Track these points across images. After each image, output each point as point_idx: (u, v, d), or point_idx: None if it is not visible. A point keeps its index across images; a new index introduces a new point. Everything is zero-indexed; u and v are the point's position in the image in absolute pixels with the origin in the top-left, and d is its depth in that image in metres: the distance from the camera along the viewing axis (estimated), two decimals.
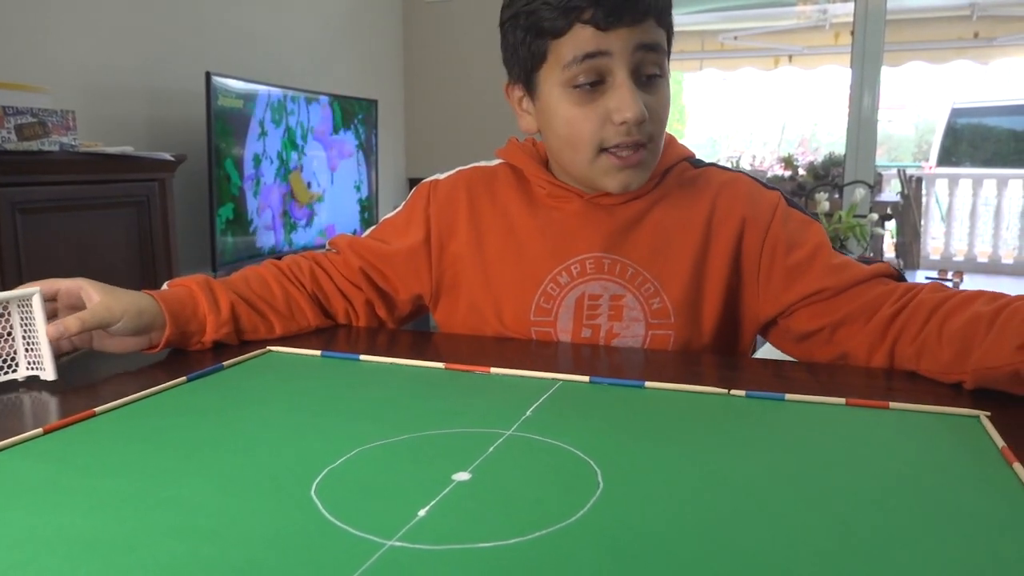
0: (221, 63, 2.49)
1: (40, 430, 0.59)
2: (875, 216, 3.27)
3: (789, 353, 0.90)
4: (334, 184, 2.94)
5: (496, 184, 0.96)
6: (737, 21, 5.91)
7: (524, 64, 0.85)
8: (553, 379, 0.73)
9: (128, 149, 1.84)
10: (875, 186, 4.83)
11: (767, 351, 0.99)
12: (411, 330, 0.99)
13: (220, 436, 0.59)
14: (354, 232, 1.01)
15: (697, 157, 0.95)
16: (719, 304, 0.88)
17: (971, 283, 3.07)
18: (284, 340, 0.88)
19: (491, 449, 0.56)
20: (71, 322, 0.73)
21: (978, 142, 7.47)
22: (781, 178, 4.95)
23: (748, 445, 0.57)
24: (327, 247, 1.02)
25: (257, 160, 2.47)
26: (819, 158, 5.22)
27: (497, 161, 0.99)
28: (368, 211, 3.16)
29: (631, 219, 0.89)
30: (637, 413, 0.64)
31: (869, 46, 3.70)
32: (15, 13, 1.93)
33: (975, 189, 6.03)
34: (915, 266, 4.78)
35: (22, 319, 0.72)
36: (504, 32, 0.87)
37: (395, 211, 1.02)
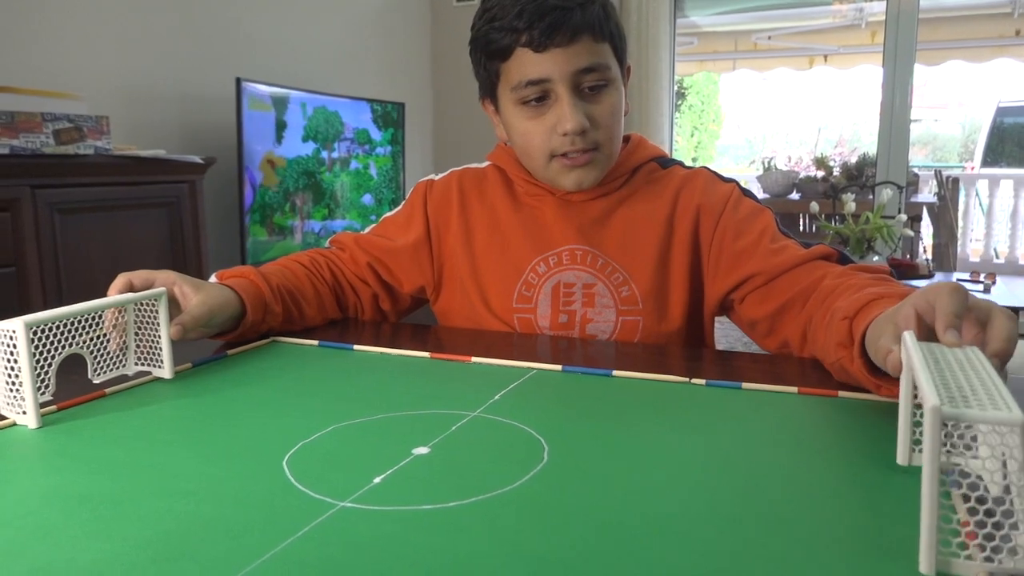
0: (251, 69, 2.58)
1: (55, 407, 0.66)
2: (904, 217, 3.24)
3: (751, 338, 0.95)
4: (362, 186, 3.02)
5: (485, 183, 1.03)
6: (770, 21, 5.87)
7: (486, 83, 0.95)
8: (528, 368, 0.77)
9: (160, 152, 1.93)
10: (910, 187, 4.77)
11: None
12: (405, 322, 1.04)
13: (212, 413, 0.65)
14: (355, 231, 1.07)
15: (667, 157, 1.02)
16: (685, 292, 0.94)
17: (1010, 286, 3.02)
18: (289, 331, 0.94)
19: (454, 428, 0.61)
20: (189, 324, 0.79)
21: None
22: (814, 179, 4.90)
23: (695, 428, 0.61)
24: (329, 245, 1.08)
25: (285, 163, 2.56)
26: (855, 159, 5.15)
27: (488, 163, 1.05)
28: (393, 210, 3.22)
29: (601, 214, 0.97)
30: (599, 399, 0.68)
31: (901, 45, 3.66)
32: (54, 25, 2.04)
33: (1016, 190, 5.89)
34: (951, 268, 4.70)
35: (138, 316, 0.76)
36: (470, 51, 0.96)
37: (395, 210, 1.08)
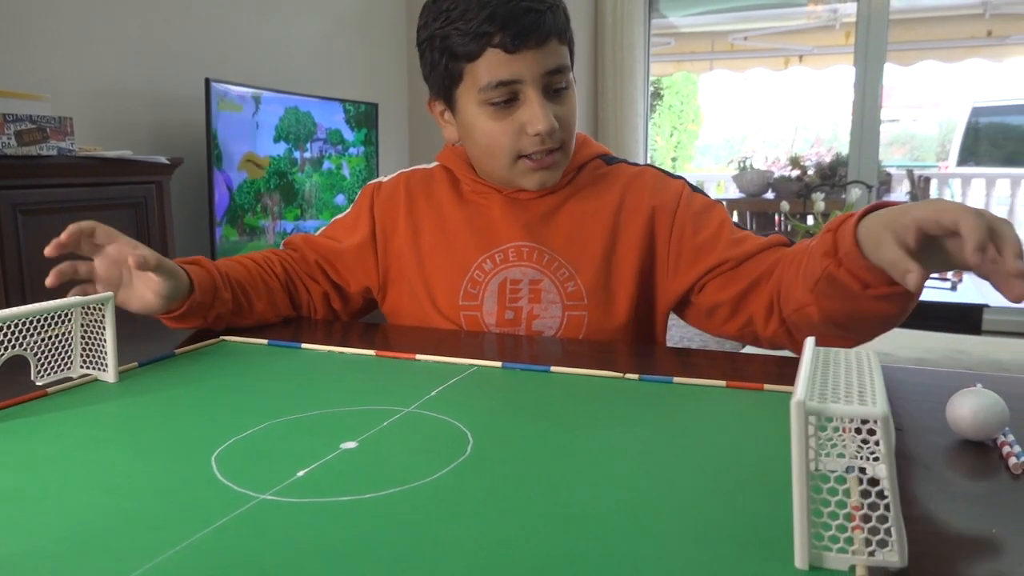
0: (222, 68, 2.58)
1: None
2: None
3: (704, 329, 0.97)
4: (334, 186, 3.02)
5: (432, 183, 1.05)
6: (747, 22, 5.92)
7: (442, 83, 0.94)
8: (470, 364, 0.79)
9: (126, 153, 1.93)
10: (883, 186, 4.82)
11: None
12: (355, 322, 1.06)
13: (151, 412, 0.66)
14: (305, 233, 1.09)
15: (611, 155, 1.04)
16: (632, 287, 0.96)
17: (977, 284, 3.07)
18: (236, 330, 0.95)
19: (385, 423, 0.62)
20: (149, 255, 0.83)
21: (999, 141, 7.39)
22: (788, 178, 4.96)
23: (621, 422, 0.63)
24: (282, 246, 1.09)
25: (256, 163, 2.56)
26: (830, 158, 5.21)
27: (436, 164, 1.07)
28: None
29: (547, 211, 0.98)
30: (533, 394, 0.70)
31: (872, 45, 3.71)
32: (17, 24, 2.03)
33: (988, 189, 5.98)
34: None
35: (84, 320, 0.76)
36: (421, 51, 0.96)
37: (344, 212, 1.09)
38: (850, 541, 0.39)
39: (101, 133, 2.22)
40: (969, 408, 0.56)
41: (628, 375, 0.73)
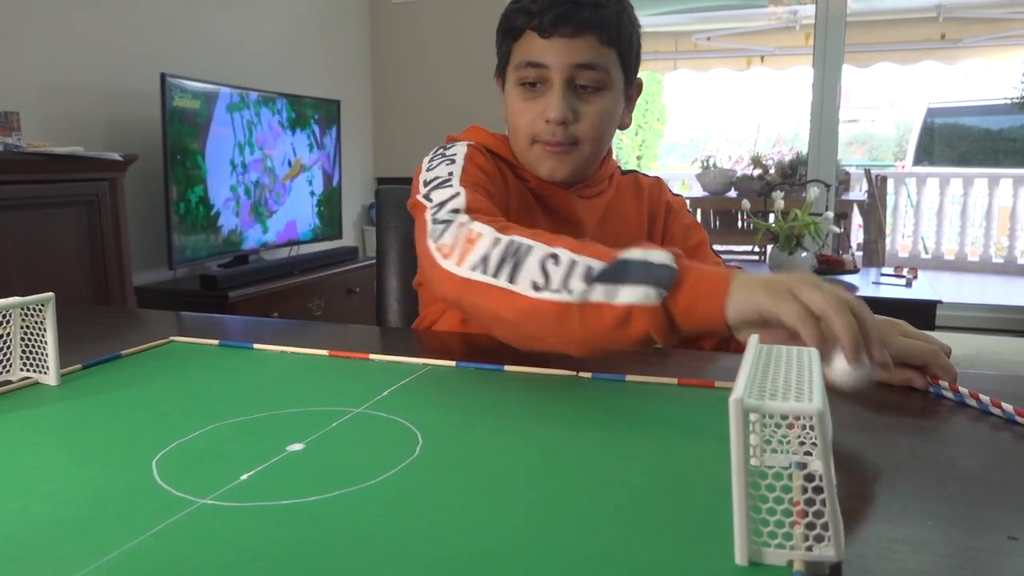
0: (180, 64, 2.53)
1: None
2: (831, 215, 3.34)
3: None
4: (292, 183, 2.98)
5: (499, 164, 0.99)
6: (709, 22, 5.99)
7: (501, 60, 1.00)
8: (423, 364, 0.78)
9: (78, 149, 1.88)
10: (841, 185, 4.91)
11: None
12: (309, 321, 1.04)
13: (93, 416, 0.64)
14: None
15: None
16: None
17: (931, 280, 3.14)
18: (186, 331, 0.93)
19: (334, 424, 0.61)
20: None
21: (954, 141, 7.58)
22: (750, 177, 5.02)
23: (572, 421, 0.62)
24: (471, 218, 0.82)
25: (211, 160, 2.51)
26: (791, 158, 5.29)
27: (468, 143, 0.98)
28: (326, 208, 3.19)
29: (600, 211, 1.03)
30: (485, 393, 0.69)
31: (830, 47, 3.77)
32: None
33: (942, 188, 6.13)
34: (880, 263, 4.86)
35: (24, 321, 0.73)
36: (496, 31, 1.01)
37: (457, 168, 0.90)
38: (789, 536, 0.39)
39: (52, 129, 2.16)
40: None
41: (581, 373, 0.73)
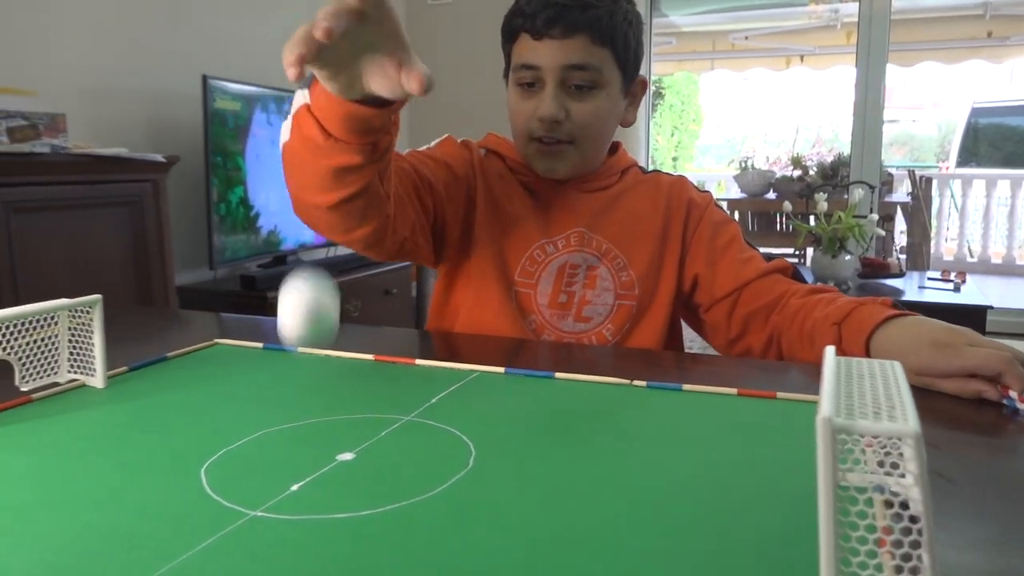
0: (220, 66, 2.55)
1: None
2: (875, 217, 3.26)
3: (705, 340, 1.02)
4: None
5: (488, 163, 1.05)
6: (748, 21, 5.90)
7: (505, 64, 1.02)
8: (471, 370, 0.76)
9: (122, 151, 1.90)
10: (884, 186, 4.80)
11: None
12: (353, 325, 1.03)
13: (139, 420, 0.64)
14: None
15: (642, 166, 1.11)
16: (673, 278, 1.00)
17: (980, 285, 3.05)
18: (229, 333, 0.92)
19: (383, 433, 0.60)
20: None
21: (999, 142, 7.38)
22: (790, 178, 4.93)
23: (629, 432, 0.60)
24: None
25: (251, 161, 2.53)
26: (832, 158, 5.19)
27: (483, 151, 1.06)
28: None
29: (604, 204, 1.02)
30: (536, 401, 0.67)
31: (873, 46, 3.69)
32: (9, 20, 2.01)
33: (988, 190, 5.96)
34: (924, 267, 4.75)
35: (72, 324, 0.73)
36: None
37: (430, 146, 1.04)
38: (880, 568, 0.36)
39: (96, 130, 2.19)
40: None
41: (636, 382, 0.71)
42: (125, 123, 2.33)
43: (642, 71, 1.03)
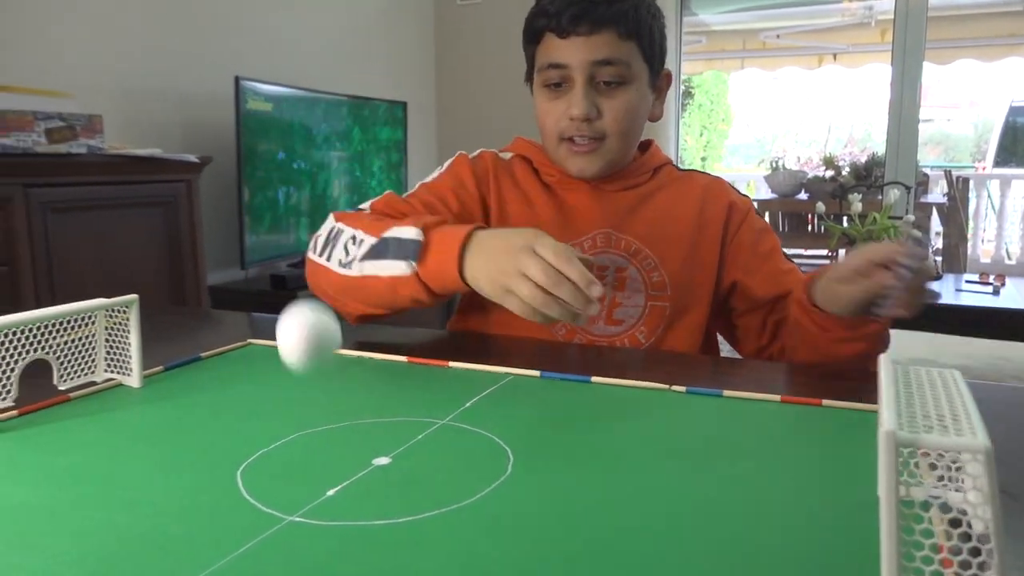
0: (252, 67, 2.57)
1: (15, 412, 0.64)
2: (911, 218, 3.19)
3: (743, 356, 1.00)
4: (361, 185, 3.00)
5: (513, 169, 1.04)
6: (779, 19, 5.82)
7: (528, 65, 1.01)
8: (505, 373, 0.75)
9: (156, 151, 1.92)
10: (920, 187, 4.70)
11: None
12: (387, 325, 1.02)
13: (175, 420, 0.63)
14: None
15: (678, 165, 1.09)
16: (711, 280, 0.98)
17: (1020, 288, 2.97)
18: (261, 333, 0.92)
19: (420, 437, 0.59)
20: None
21: None
22: (822, 178, 4.85)
23: (670, 439, 0.59)
24: (366, 208, 0.99)
25: (285, 162, 2.55)
26: (865, 158, 5.10)
27: (511, 155, 1.05)
28: None
29: (633, 203, 1.00)
30: (573, 406, 0.66)
31: (910, 43, 3.61)
32: (47, 23, 2.04)
33: None
34: (961, 269, 4.64)
35: (109, 323, 0.74)
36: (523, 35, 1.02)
37: (434, 177, 1.03)
38: None
39: (131, 131, 2.22)
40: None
41: (674, 387, 0.69)
42: (159, 124, 2.35)
43: (672, 70, 1.02)
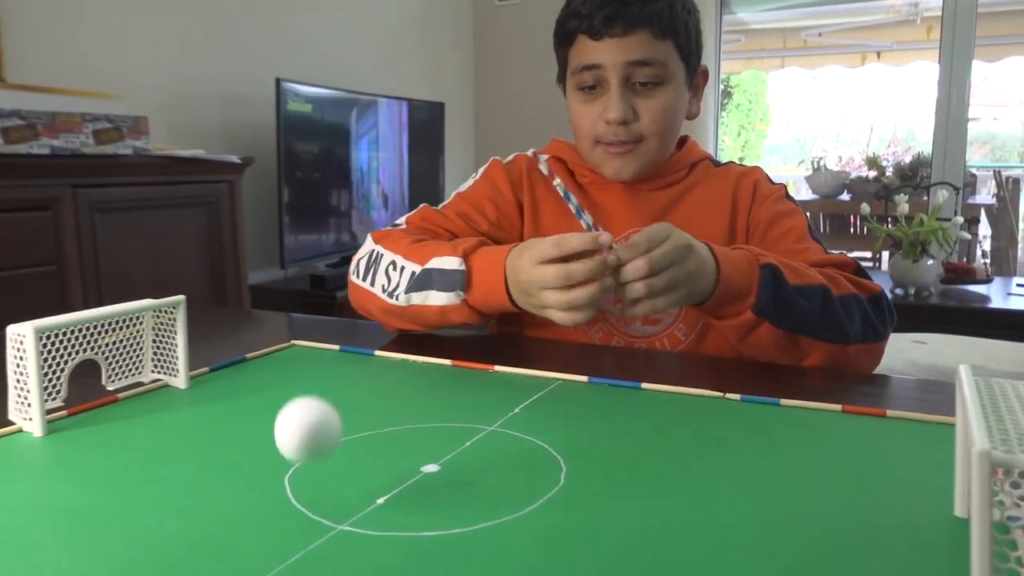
0: (291, 69, 2.59)
1: (65, 412, 0.64)
2: (960, 220, 3.10)
3: None
4: (396, 184, 3.01)
5: (553, 167, 0.99)
6: (821, 17, 5.71)
7: (559, 67, 0.99)
8: (552, 378, 0.74)
9: (199, 152, 1.94)
10: (967, 188, 4.57)
11: None
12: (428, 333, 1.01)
13: (221, 422, 0.63)
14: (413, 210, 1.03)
15: (717, 160, 1.04)
16: None
17: None
18: (303, 334, 0.92)
19: (468, 444, 0.57)
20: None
21: None
22: (865, 179, 4.75)
23: (727, 450, 0.56)
24: (404, 224, 0.99)
25: (324, 163, 2.56)
26: (910, 158, 4.98)
27: (545, 156, 1.02)
28: None
29: (667, 203, 0.97)
30: (624, 413, 0.64)
31: (958, 40, 3.52)
32: (95, 26, 2.07)
33: None
34: (1011, 272, 4.51)
35: (155, 324, 0.74)
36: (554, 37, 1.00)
37: (469, 184, 1.03)
38: None
39: (175, 132, 2.25)
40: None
41: (728, 395, 0.67)
42: (202, 125, 2.38)
43: (711, 69, 0.99)
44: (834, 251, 0.90)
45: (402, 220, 0.99)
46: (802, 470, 0.52)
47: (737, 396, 0.67)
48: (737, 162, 1.04)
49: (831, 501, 0.48)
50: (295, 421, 0.46)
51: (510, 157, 1.04)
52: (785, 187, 0.99)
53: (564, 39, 0.94)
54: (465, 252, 0.83)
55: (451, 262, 0.82)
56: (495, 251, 0.82)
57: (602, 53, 0.89)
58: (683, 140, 1.02)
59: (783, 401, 0.65)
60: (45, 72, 1.90)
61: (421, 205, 1.01)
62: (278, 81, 2.30)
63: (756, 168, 1.01)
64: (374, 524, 0.45)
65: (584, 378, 0.73)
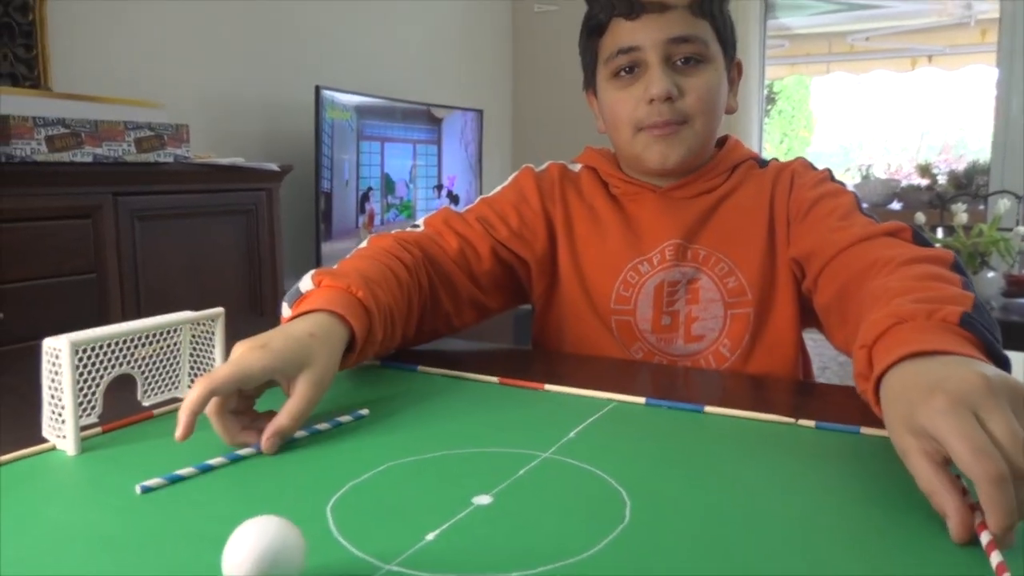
0: (330, 76, 2.59)
1: (100, 429, 0.62)
2: (1022, 230, 2.98)
3: (834, 344, 0.80)
4: (439, 194, 2.99)
5: (580, 182, 0.98)
6: (868, 21, 5.57)
7: (588, 66, 0.95)
8: (607, 399, 0.69)
9: (238, 160, 1.94)
10: None
11: None
12: (475, 342, 0.97)
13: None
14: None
15: (763, 159, 0.97)
16: (789, 277, 0.88)
17: None
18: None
19: (521, 472, 0.53)
20: (288, 429, 0.59)
21: None
22: (917, 187, 4.61)
23: (806, 483, 0.51)
24: (423, 227, 0.95)
25: (361, 170, 2.55)
26: (963, 166, 4.82)
27: (579, 165, 1.00)
28: None
29: (705, 211, 0.91)
30: (687, 441, 0.59)
31: (1018, 42, 3.39)
32: (137, 35, 2.09)
33: None
34: None
35: (193, 338, 0.71)
36: (579, 42, 0.96)
37: (496, 191, 0.99)
38: None
39: (214, 140, 2.26)
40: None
41: (802, 421, 0.62)
42: (241, 133, 2.39)
43: (755, 76, 0.93)
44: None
45: (420, 222, 0.96)
46: (895, 508, 0.47)
47: (811, 423, 0.61)
48: (778, 158, 0.97)
49: (928, 540, 0.42)
50: (248, 547, 0.38)
51: (543, 166, 1.00)
52: (829, 171, 0.92)
53: (596, 29, 0.90)
54: (317, 282, 0.73)
55: (304, 283, 0.76)
56: (316, 298, 0.72)
57: (640, 33, 0.85)
58: (723, 139, 0.96)
59: (863, 430, 0.60)
60: (88, 81, 1.91)
61: (443, 207, 0.98)
62: (317, 88, 2.29)
63: (797, 159, 0.94)
64: (425, 564, 0.41)
65: (641, 399, 0.68)
